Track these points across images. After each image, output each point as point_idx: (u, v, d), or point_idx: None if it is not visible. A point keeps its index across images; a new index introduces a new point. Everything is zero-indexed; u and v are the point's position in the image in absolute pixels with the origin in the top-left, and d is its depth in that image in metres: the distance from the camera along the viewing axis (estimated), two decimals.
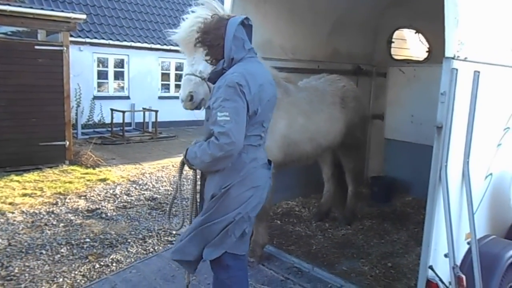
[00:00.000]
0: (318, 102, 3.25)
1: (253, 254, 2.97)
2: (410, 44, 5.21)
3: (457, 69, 1.89)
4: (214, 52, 1.91)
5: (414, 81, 4.56)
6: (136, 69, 11.24)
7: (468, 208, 2.08)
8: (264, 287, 2.75)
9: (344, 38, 4.34)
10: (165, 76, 12.03)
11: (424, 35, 4.83)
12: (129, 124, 10.68)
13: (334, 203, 4.03)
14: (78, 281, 3.00)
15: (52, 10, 6.65)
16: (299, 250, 3.35)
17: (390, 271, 3.05)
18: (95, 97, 10.59)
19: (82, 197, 5.00)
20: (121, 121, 9.52)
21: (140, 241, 3.77)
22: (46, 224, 4.09)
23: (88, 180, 5.75)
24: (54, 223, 4.15)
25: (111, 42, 10.43)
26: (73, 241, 3.69)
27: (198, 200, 2.11)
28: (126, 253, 3.51)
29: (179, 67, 11.84)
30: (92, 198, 5.01)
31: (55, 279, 3.02)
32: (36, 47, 6.16)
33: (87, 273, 3.12)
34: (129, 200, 5.01)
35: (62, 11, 6.86)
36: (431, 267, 1.98)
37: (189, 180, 4.18)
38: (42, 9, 6.51)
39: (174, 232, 3.92)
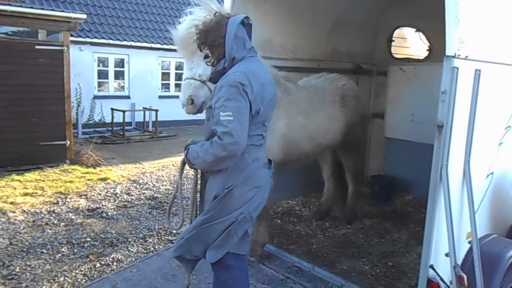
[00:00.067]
0: (318, 101, 3.24)
1: (253, 253, 2.97)
2: (410, 43, 5.19)
3: (458, 68, 1.88)
4: (214, 51, 1.90)
5: (415, 80, 4.54)
6: (136, 68, 11.25)
7: (469, 207, 2.08)
8: (264, 286, 2.75)
9: (344, 37, 4.33)
10: (165, 75, 12.03)
11: (424, 33, 4.82)
12: (130, 124, 10.68)
13: (334, 202, 4.03)
14: (79, 280, 3.01)
15: (53, 10, 6.65)
16: (300, 249, 3.35)
17: (390, 270, 3.05)
18: (95, 97, 10.60)
19: (83, 197, 5.01)
20: (121, 120, 9.53)
21: (141, 240, 3.78)
22: (47, 224, 4.10)
23: (88, 180, 5.75)
24: (55, 222, 4.15)
25: (111, 41, 10.43)
26: (74, 240, 3.69)
27: (198, 199, 2.11)
28: (127, 252, 3.51)
29: (179, 67, 11.83)
30: (93, 197, 5.01)
31: (56, 278, 3.02)
32: (37, 47, 6.17)
33: (88, 272, 3.12)
34: (129, 200, 5.01)
35: (63, 11, 6.86)
36: (432, 267, 1.98)
37: (189, 180, 4.18)
38: (42, 9, 6.52)
39: (174, 231, 3.93)
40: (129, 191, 5.35)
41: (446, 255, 1.97)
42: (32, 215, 4.30)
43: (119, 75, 11.16)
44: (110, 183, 5.66)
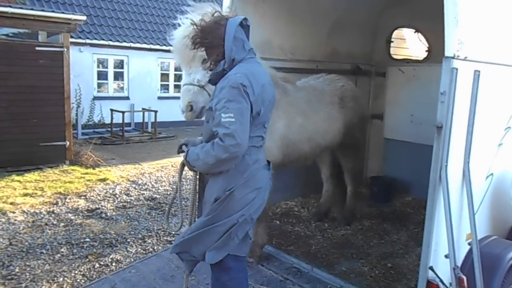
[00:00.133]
0: (316, 101, 3.24)
1: (252, 254, 2.96)
2: (409, 44, 5.20)
3: (457, 69, 1.88)
4: (213, 52, 1.89)
5: (414, 81, 4.55)
6: (136, 69, 11.26)
7: (468, 208, 2.07)
8: (263, 287, 2.74)
9: (343, 38, 4.33)
10: (164, 76, 12.04)
11: (423, 34, 4.82)
12: (129, 124, 10.69)
13: (333, 203, 4.02)
14: (78, 280, 3.00)
15: (53, 11, 6.66)
16: (298, 250, 3.34)
17: (390, 272, 3.04)
18: (95, 98, 10.60)
19: (82, 197, 5.00)
20: (120, 121, 9.53)
21: (140, 241, 3.77)
22: (46, 224, 4.09)
23: (88, 180, 5.75)
24: (55, 222, 4.15)
25: (110, 43, 10.44)
26: (73, 241, 3.69)
27: (197, 201, 2.10)
28: (126, 253, 3.51)
29: (178, 68, 11.75)
30: (92, 198, 5.01)
31: (55, 278, 3.02)
32: (37, 48, 6.18)
33: (87, 273, 3.12)
34: (128, 200, 5.01)
35: (63, 12, 6.87)
36: (431, 268, 1.97)
37: (188, 180, 4.18)
38: (43, 10, 6.53)
39: (173, 233, 3.92)
40: (128, 192, 5.34)
41: (446, 256, 1.96)
42: (31, 216, 4.30)
43: (118, 76, 11.16)
44: (109, 184, 5.66)
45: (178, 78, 11.75)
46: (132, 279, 2.85)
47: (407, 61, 4.96)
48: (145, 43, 11.13)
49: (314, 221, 3.95)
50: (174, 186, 2.10)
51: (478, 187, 2.24)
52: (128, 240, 3.79)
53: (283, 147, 2.92)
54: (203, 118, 2.06)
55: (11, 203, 4.63)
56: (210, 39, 1.87)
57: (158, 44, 11.28)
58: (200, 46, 1.92)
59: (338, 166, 3.83)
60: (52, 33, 6.71)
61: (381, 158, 5.01)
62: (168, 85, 12.15)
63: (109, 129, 9.77)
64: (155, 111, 10.13)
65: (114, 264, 3.29)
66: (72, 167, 6.39)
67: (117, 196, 5.15)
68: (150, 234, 3.96)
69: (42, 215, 4.33)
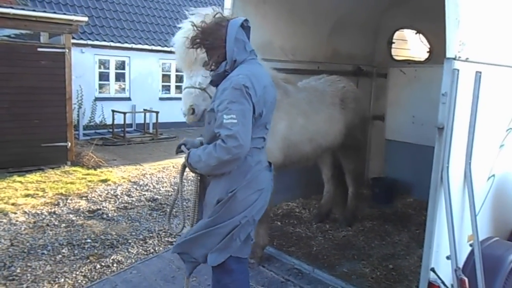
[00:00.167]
0: (317, 102, 3.24)
1: (253, 256, 2.96)
2: (410, 45, 5.20)
3: (458, 70, 1.88)
4: (214, 54, 1.88)
5: (415, 82, 4.54)
6: (137, 70, 11.28)
7: (470, 209, 2.07)
8: None
9: (344, 39, 4.33)
10: (165, 77, 12.06)
11: (425, 35, 4.81)
12: (130, 125, 10.71)
13: (334, 204, 4.02)
14: (79, 281, 3.01)
15: (55, 12, 6.69)
16: (300, 251, 3.34)
17: (391, 273, 3.03)
18: (96, 99, 10.63)
19: (84, 198, 5.01)
20: (122, 122, 9.54)
21: (141, 242, 3.78)
22: (48, 225, 4.10)
23: (89, 181, 5.76)
24: (56, 223, 4.15)
25: (112, 44, 10.48)
26: (74, 242, 3.70)
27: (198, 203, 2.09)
28: (127, 253, 3.51)
29: (179, 69, 11.79)
30: (93, 198, 5.02)
31: (56, 279, 3.02)
32: (39, 49, 6.20)
33: (88, 274, 3.12)
34: (130, 201, 5.01)
35: (65, 13, 6.90)
36: (433, 269, 1.97)
37: (189, 181, 4.18)
38: (44, 11, 6.56)
39: (174, 234, 3.92)
40: (129, 193, 5.35)
41: (447, 258, 1.96)
42: (33, 216, 4.31)
43: (120, 77, 11.19)
44: (111, 185, 5.66)
45: (179, 79, 11.77)
46: (133, 280, 2.85)
47: (408, 62, 4.96)
48: (147, 44, 11.16)
49: (315, 222, 3.94)
50: (176, 187, 2.10)
51: (480, 189, 2.23)
52: (129, 241, 3.79)
53: (285, 148, 2.92)
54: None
55: (13, 204, 4.64)
56: (211, 40, 1.87)
57: (160, 45, 11.31)
58: (201, 47, 1.92)
59: (339, 167, 3.83)
60: (54, 34, 6.74)
61: (382, 159, 5.01)
62: (169, 86, 12.17)
63: (111, 130, 9.79)
64: (157, 112, 10.15)
65: (115, 265, 3.29)
66: (73, 168, 6.40)
67: (119, 197, 5.16)
68: (151, 235, 3.96)
69: (43, 216, 4.34)
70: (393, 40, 4.97)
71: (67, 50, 6.40)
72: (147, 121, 10.68)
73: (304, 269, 2.97)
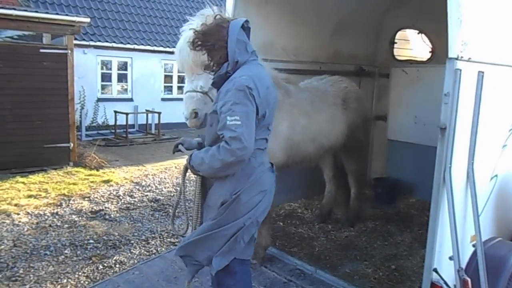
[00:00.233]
0: (319, 102, 3.23)
1: (255, 256, 2.95)
2: (413, 45, 5.18)
3: (460, 70, 1.87)
4: (215, 55, 1.87)
5: (417, 82, 4.53)
6: (139, 71, 11.31)
7: (473, 210, 2.06)
8: None
9: (346, 39, 4.33)
10: (168, 78, 12.08)
11: (427, 35, 4.80)
12: (132, 126, 10.73)
13: (336, 205, 4.01)
14: (82, 282, 3.01)
15: (57, 14, 6.72)
16: (302, 252, 3.33)
17: (394, 274, 3.02)
18: (99, 99, 10.66)
19: (86, 199, 5.03)
20: (124, 123, 9.57)
21: (143, 243, 3.78)
22: (50, 225, 4.12)
23: (92, 182, 5.78)
24: (59, 224, 4.17)
25: (114, 45, 10.50)
26: (77, 242, 3.71)
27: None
28: (129, 254, 3.52)
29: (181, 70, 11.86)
30: (96, 199, 5.03)
31: (59, 280, 3.03)
32: (41, 50, 6.23)
33: (91, 274, 3.13)
34: (132, 202, 5.02)
35: (67, 14, 6.93)
36: (435, 270, 1.96)
37: (191, 181, 4.18)
38: (47, 13, 6.59)
39: (179, 235, 3.92)
40: (131, 193, 5.36)
41: (450, 258, 1.95)
42: (35, 217, 4.32)
43: (122, 78, 11.22)
44: (113, 185, 5.68)
45: (181, 79, 11.79)
46: (135, 281, 2.86)
47: (410, 62, 4.95)
48: (149, 44, 11.19)
49: (318, 223, 3.94)
50: (178, 188, 2.09)
51: (483, 189, 2.22)
52: (132, 241, 3.80)
53: (287, 149, 2.91)
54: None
55: (15, 205, 4.66)
56: (213, 42, 1.86)
57: (162, 46, 11.34)
58: (203, 48, 1.91)
59: (341, 168, 3.82)
60: (56, 35, 6.76)
61: (384, 160, 5.00)
62: (171, 86, 12.19)
63: (113, 131, 9.82)
64: (159, 113, 10.17)
65: (117, 265, 3.30)
66: (76, 169, 6.42)
67: (121, 197, 5.17)
68: (153, 235, 3.97)
69: (46, 217, 4.35)
70: (395, 40, 4.96)
71: (69, 51, 6.42)
72: (149, 121, 10.70)
73: (307, 270, 2.97)
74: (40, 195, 5.07)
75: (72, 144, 6.58)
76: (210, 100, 2.29)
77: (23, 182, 5.57)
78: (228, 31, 1.83)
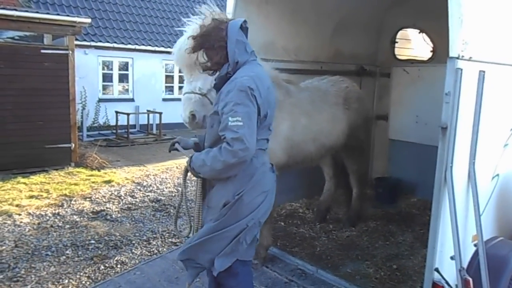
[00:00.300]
0: (320, 101, 3.23)
1: (257, 256, 2.95)
2: (414, 44, 5.17)
3: (461, 69, 1.87)
4: (213, 55, 1.87)
5: (418, 81, 4.52)
6: (140, 71, 11.33)
7: (474, 209, 2.06)
8: None
9: (347, 39, 4.32)
10: (169, 78, 12.10)
11: (428, 34, 4.79)
12: (134, 126, 10.75)
13: (338, 204, 4.00)
14: (83, 282, 3.02)
15: (58, 14, 6.74)
16: (303, 252, 3.33)
17: (395, 274, 3.02)
18: (100, 100, 10.68)
19: (87, 199, 5.03)
20: (125, 123, 9.59)
21: (145, 243, 3.79)
22: (52, 226, 4.13)
23: (93, 182, 5.79)
24: (60, 224, 4.18)
25: (115, 45, 10.52)
26: (78, 243, 3.71)
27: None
28: (131, 254, 3.52)
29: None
30: (97, 199, 5.04)
31: (60, 280, 3.04)
32: (42, 51, 6.24)
33: (92, 275, 3.14)
34: (133, 202, 5.03)
35: (68, 15, 6.94)
36: (437, 270, 1.96)
37: (193, 182, 4.18)
38: (48, 13, 6.61)
39: (182, 238, 3.93)
40: (133, 194, 5.37)
41: (452, 258, 1.95)
42: (37, 218, 4.33)
43: (123, 78, 11.24)
44: (115, 186, 5.69)
45: (182, 79, 11.75)
46: (137, 281, 2.86)
47: (411, 62, 4.94)
48: (150, 45, 11.20)
49: (317, 221, 3.94)
50: (179, 188, 2.09)
51: (484, 188, 2.22)
52: (133, 242, 3.81)
53: (288, 149, 2.91)
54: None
55: (17, 205, 4.68)
56: (212, 42, 1.86)
57: (163, 46, 11.35)
58: (201, 49, 1.90)
59: (343, 168, 3.82)
60: (57, 35, 6.78)
61: (386, 159, 4.99)
62: (172, 87, 12.21)
63: (114, 131, 9.83)
64: (160, 113, 10.19)
65: (119, 266, 3.31)
66: (77, 169, 6.43)
67: (122, 198, 5.18)
68: (155, 236, 3.97)
69: (47, 217, 4.36)
70: (396, 40, 4.96)
71: (70, 52, 6.44)
72: (151, 122, 10.72)
73: (308, 270, 2.97)
74: (41, 195, 5.08)
75: (73, 145, 6.60)
76: (209, 102, 2.28)
77: (24, 183, 5.58)
78: (227, 32, 1.83)
